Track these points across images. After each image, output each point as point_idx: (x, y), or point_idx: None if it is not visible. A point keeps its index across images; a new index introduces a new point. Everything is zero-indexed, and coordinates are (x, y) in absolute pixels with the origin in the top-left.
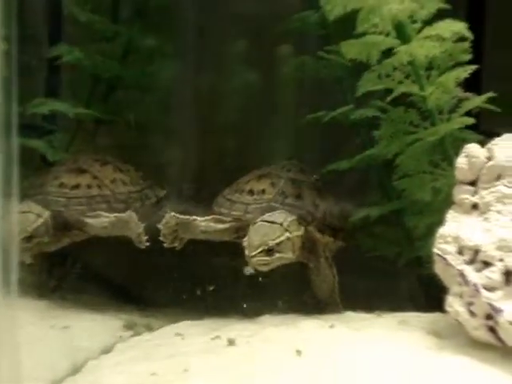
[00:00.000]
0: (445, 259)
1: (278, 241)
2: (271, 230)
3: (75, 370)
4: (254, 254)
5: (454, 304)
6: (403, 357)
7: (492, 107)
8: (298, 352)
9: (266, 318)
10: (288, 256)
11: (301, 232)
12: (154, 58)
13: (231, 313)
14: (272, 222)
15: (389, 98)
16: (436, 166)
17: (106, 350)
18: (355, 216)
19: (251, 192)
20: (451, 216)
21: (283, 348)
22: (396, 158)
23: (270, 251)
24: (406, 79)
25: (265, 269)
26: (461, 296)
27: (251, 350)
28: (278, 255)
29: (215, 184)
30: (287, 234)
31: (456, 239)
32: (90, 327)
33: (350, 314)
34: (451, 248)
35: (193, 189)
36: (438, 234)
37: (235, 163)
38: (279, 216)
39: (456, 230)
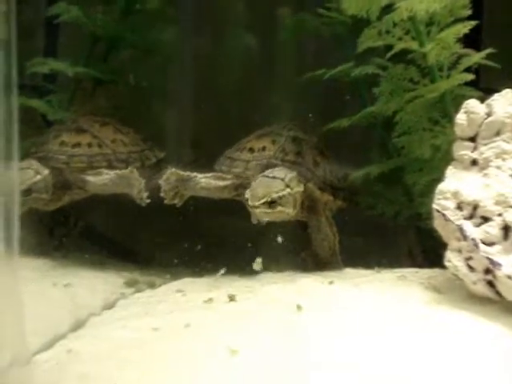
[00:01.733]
0: (444, 215)
1: (280, 194)
2: (274, 184)
3: (78, 326)
4: (257, 204)
5: (452, 259)
6: (401, 311)
7: (491, 63)
8: (299, 307)
9: (267, 275)
10: (289, 210)
11: (301, 188)
12: (155, 19)
13: (232, 270)
14: (274, 177)
15: (388, 55)
16: (436, 123)
17: (109, 306)
18: (356, 174)
19: (251, 150)
20: (451, 172)
21: (283, 304)
22: (395, 115)
23: (272, 203)
24: (406, 35)
25: (266, 219)
26: (460, 251)
27: (251, 305)
28: (279, 208)
29: (217, 146)
30: (288, 190)
31: (455, 195)
32: (92, 284)
33: (349, 271)
34: (450, 204)
35: (193, 151)
36: (437, 190)
37: (236, 125)
38: (280, 172)
39: (455, 186)
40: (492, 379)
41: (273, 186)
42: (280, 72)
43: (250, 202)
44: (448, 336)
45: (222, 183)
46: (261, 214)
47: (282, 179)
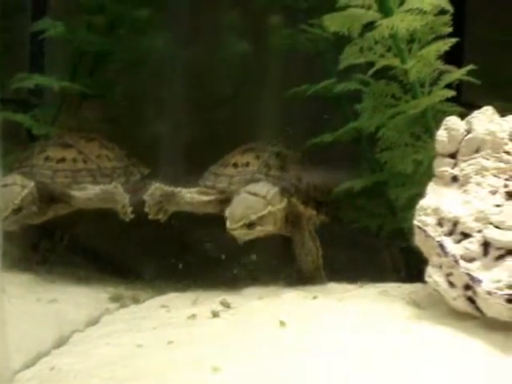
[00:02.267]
0: (424, 231)
1: (260, 215)
2: (254, 203)
3: (61, 342)
4: (235, 227)
5: (433, 275)
6: (382, 327)
7: (472, 79)
8: (282, 323)
9: (250, 290)
10: (269, 229)
11: (283, 204)
12: (141, 31)
13: (216, 285)
14: (255, 194)
15: (370, 72)
16: (418, 139)
17: (93, 322)
18: (339, 188)
19: (235, 165)
20: (431, 188)
21: (267, 319)
22: (378, 130)
23: (251, 225)
24: (388, 52)
25: (245, 238)
26: (440, 267)
27: (235, 321)
28: (259, 228)
29: (202, 162)
30: (269, 208)
31: (436, 211)
32: (77, 300)
33: (332, 286)
34: (431, 220)
35: (179, 167)
36: (418, 206)
37: (223, 139)
38: (262, 187)
39: (436, 202)
40: None
41: (252, 207)
42: (266, 86)
43: (228, 225)
44: (427, 352)
45: (206, 198)
46: (240, 235)
47: (264, 197)
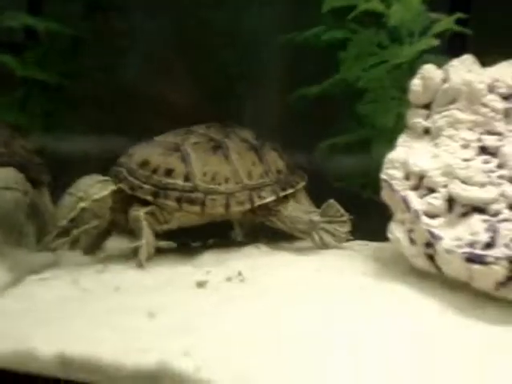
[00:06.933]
0: (390, 184)
1: (69, 217)
2: (66, 206)
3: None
4: (49, 242)
5: (395, 231)
6: (338, 282)
7: (465, 30)
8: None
9: None
10: (94, 224)
11: (106, 191)
12: None
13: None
14: (70, 194)
15: (351, 15)
16: (405, 92)
17: (51, 265)
18: (323, 144)
19: None
20: (402, 141)
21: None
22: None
23: (66, 232)
24: None
25: (77, 247)
26: (403, 223)
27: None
28: (77, 230)
29: None
30: (81, 205)
31: (404, 164)
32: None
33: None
34: (398, 173)
35: None
36: (386, 159)
37: None
38: (78, 184)
39: (405, 155)
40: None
41: (59, 212)
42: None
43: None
44: (377, 308)
45: None
46: (61, 246)
47: (75, 194)
